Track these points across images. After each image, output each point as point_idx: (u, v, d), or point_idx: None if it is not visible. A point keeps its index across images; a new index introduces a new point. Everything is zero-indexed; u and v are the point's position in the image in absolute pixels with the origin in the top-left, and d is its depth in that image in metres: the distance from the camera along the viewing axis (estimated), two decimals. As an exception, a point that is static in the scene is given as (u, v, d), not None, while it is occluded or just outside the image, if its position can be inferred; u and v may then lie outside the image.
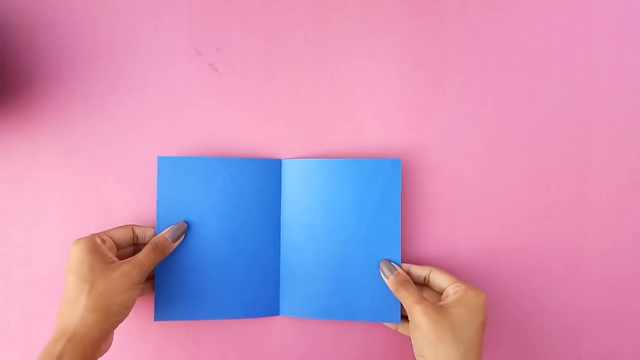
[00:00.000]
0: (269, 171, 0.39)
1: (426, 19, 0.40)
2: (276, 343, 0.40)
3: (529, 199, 0.39)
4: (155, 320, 0.37)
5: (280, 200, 0.39)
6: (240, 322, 0.40)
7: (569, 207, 0.39)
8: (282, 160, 0.39)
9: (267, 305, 0.39)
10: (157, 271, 0.37)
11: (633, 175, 0.39)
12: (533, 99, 0.40)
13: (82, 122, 0.40)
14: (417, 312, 0.32)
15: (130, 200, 0.40)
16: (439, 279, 0.35)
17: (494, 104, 0.40)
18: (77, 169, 0.40)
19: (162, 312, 0.37)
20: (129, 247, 0.37)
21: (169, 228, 0.37)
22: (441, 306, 0.32)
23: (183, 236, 0.37)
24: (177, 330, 0.39)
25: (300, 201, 0.38)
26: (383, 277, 0.37)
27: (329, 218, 0.38)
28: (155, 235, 0.37)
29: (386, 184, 0.37)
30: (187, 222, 0.38)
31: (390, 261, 0.37)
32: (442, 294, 0.35)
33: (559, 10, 0.40)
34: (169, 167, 0.37)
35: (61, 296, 0.32)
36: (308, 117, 0.40)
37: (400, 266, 0.37)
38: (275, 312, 0.39)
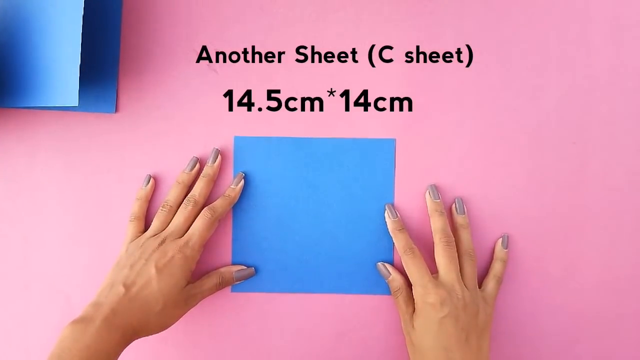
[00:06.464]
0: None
1: (424, 19, 0.40)
2: (274, 345, 0.40)
3: (526, 200, 0.40)
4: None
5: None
6: (239, 322, 0.40)
7: (566, 207, 0.40)
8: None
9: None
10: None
11: (630, 176, 0.40)
12: (530, 99, 0.40)
13: (81, 121, 0.40)
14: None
15: (130, 201, 0.40)
16: (409, 271, 0.36)
17: (492, 104, 0.40)
18: (76, 169, 0.40)
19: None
20: None
21: (240, 268, 0.38)
22: (412, 318, 0.36)
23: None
24: (175, 330, 0.39)
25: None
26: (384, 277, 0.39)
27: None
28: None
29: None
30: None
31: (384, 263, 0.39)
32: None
33: (557, 10, 0.40)
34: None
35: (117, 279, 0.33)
36: (307, 118, 0.40)
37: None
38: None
